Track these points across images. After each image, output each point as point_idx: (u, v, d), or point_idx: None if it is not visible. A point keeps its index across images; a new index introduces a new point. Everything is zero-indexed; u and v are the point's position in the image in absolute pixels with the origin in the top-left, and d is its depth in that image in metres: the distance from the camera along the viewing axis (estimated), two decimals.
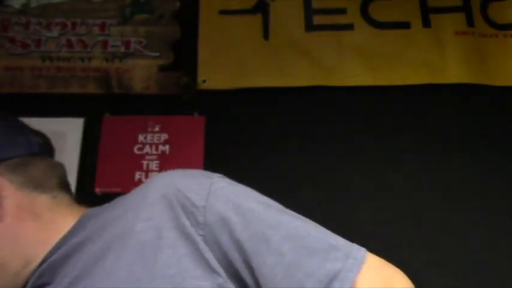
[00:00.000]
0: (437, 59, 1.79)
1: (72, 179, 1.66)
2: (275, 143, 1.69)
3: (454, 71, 1.77)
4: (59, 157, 1.72)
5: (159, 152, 1.70)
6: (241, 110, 1.71)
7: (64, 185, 0.79)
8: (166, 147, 1.70)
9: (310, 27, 1.84)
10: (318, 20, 1.85)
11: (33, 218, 0.73)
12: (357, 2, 1.86)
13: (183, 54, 1.79)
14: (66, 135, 1.71)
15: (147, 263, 0.61)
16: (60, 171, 0.79)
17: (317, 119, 1.74)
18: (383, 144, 1.70)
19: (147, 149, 1.70)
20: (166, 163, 1.68)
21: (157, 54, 1.81)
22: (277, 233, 0.62)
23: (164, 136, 1.72)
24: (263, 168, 1.65)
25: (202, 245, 0.62)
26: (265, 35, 1.82)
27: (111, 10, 1.85)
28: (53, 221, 0.74)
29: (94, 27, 1.83)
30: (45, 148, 0.81)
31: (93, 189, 1.63)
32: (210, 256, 0.62)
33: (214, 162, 1.56)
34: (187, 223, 0.62)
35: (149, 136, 1.72)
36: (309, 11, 1.86)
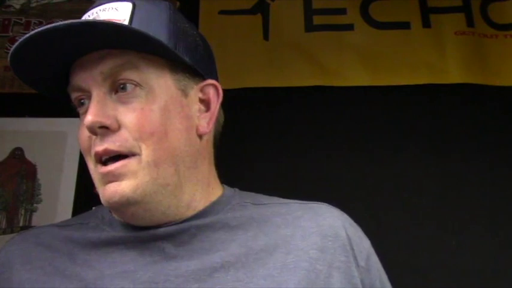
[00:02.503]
0: (437, 59, 1.78)
1: (72, 179, 1.66)
2: (275, 142, 1.69)
3: (454, 71, 1.77)
4: (59, 157, 1.74)
5: None
6: (241, 110, 1.71)
7: None
8: None
9: (310, 27, 1.84)
10: (318, 20, 1.85)
11: (209, 161, 0.77)
12: (357, 2, 1.86)
13: None
14: (66, 135, 1.71)
15: None
16: None
17: (317, 119, 1.74)
18: (383, 144, 1.70)
19: None
20: None
21: None
22: None
23: None
24: (263, 168, 1.65)
25: None
26: (265, 35, 1.82)
27: None
28: (214, 177, 0.78)
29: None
30: None
31: (93, 189, 1.63)
32: None
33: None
34: (355, 274, 0.71)
35: None
36: (309, 11, 1.86)
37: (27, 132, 1.72)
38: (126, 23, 0.68)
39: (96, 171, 0.70)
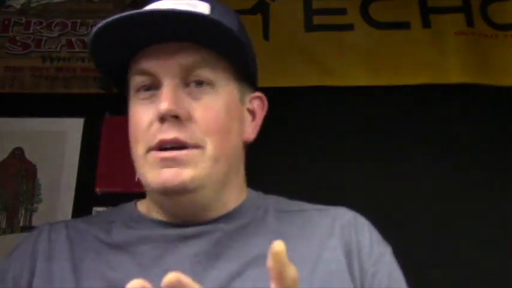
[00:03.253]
0: (437, 59, 1.78)
1: (72, 179, 1.66)
2: (274, 142, 1.68)
3: (454, 71, 1.77)
4: (59, 157, 1.74)
5: None
6: None
7: None
8: None
9: (310, 27, 1.84)
10: (318, 20, 1.85)
11: (244, 167, 0.80)
12: (357, 2, 1.86)
13: None
14: (66, 135, 1.71)
15: None
16: None
17: (317, 119, 1.74)
18: (383, 144, 1.70)
19: None
20: None
21: None
22: None
23: None
24: (262, 167, 1.65)
25: None
26: (265, 35, 1.82)
27: (111, 10, 1.85)
28: (244, 182, 0.80)
29: (94, 27, 1.83)
30: None
31: (93, 189, 1.63)
32: None
33: None
34: (356, 276, 0.71)
35: None
36: (309, 11, 1.86)
37: (27, 132, 1.72)
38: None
39: (150, 155, 0.69)
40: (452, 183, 1.66)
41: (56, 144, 1.71)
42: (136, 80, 0.72)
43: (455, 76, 1.76)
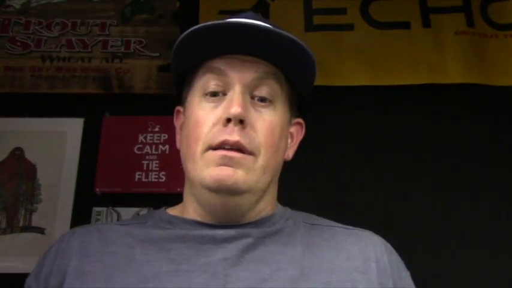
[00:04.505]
0: (437, 59, 1.78)
1: (72, 179, 1.66)
2: None
3: (454, 71, 1.77)
4: (59, 157, 1.74)
5: (159, 152, 1.70)
6: None
7: None
8: (166, 147, 1.70)
9: (310, 27, 1.84)
10: (318, 20, 1.85)
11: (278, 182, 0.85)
12: (357, 2, 1.86)
13: None
14: (66, 135, 1.71)
15: None
16: None
17: (316, 119, 1.74)
18: (383, 144, 1.70)
19: (147, 149, 1.70)
20: (166, 163, 1.68)
21: (157, 54, 1.81)
22: None
23: (164, 136, 1.72)
24: None
25: None
26: None
27: (111, 10, 1.85)
28: (276, 195, 0.84)
29: (94, 27, 1.83)
30: None
31: (93, 189, 1.63)
32: None
33: None
34: None
35: (149, 136, 1.72)
36: (309, 11, 1.86)
37: (27, 132, 1.72)
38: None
39: (209, 153, 0.73)
40: (452, 183, 1.66)
41: (56, 144, 1.70)
42: (207, 80, 0.77)
43: (455, 76, 1.76)
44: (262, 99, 0.77)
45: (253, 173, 0.74)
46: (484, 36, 1.81)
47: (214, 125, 0.74)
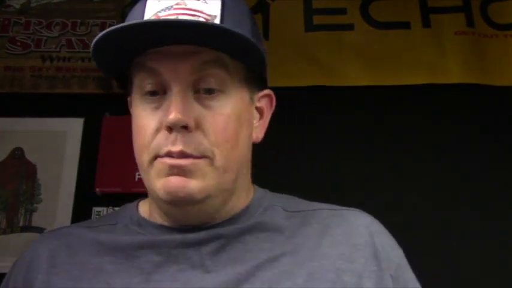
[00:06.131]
0: (437, 59, 1.78)
1: (72, 179, 1.66)
2: (273, 142, 1.68)
3: (454, 71, 1.77)
4: (59, 157, 1.74)
5: None
6: None
7: None
8: None
9: (310, 27, 1.84)
10: (318, 20, 1.85)
11: (250, 167, 0.79)
12: (357, 2, 1.86)
13: None
14: (66, 135, 1.71)
15: None
16: None
17: (317, 119, 1.74)
18: (383, 144, 1.70)
19: None
20: None
21: None
22: None
23: None
24: (261, 168, 1.65)
25: None
26: (265, 34, 1.82)
27: (111, 10, 1.85)
28: (250, 181, 0.79)
29: (94, 27, 1.83)
30: None
31: (93, 189, 1.63)
32: None
33: None
34: (389, 283, 0.70)
35: None
36: (309, 11, 1.86)
37: (27, 132, 1.72)
38: (217, 19, 0.67)
39: (157, 162, 0.67)
40: (452, 183, 1.66)
41: (56, 144, 1.70)
42: (142, 79, 0.69)
43: (455, 76, 1.76)
44: (209, 91, 0.68)
45: (211, 177, 0.67)
46: (484, 36, 1.81)
47: (158, 130, 0.67)
